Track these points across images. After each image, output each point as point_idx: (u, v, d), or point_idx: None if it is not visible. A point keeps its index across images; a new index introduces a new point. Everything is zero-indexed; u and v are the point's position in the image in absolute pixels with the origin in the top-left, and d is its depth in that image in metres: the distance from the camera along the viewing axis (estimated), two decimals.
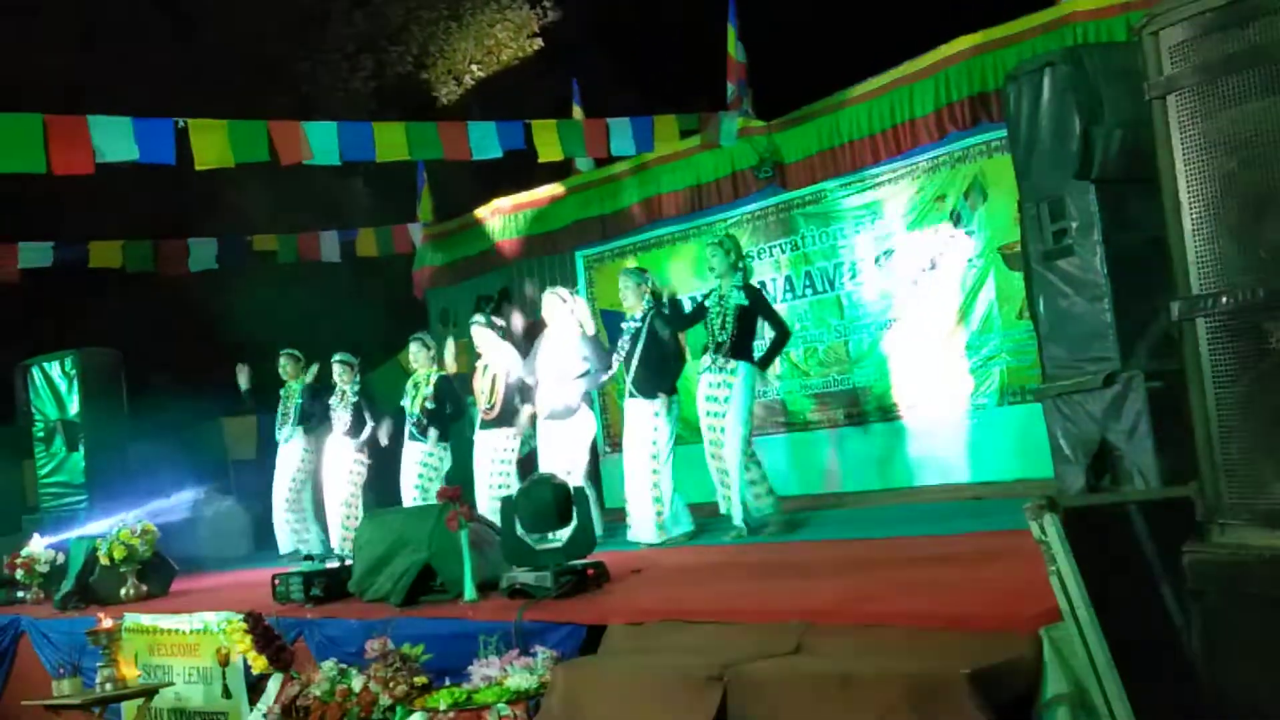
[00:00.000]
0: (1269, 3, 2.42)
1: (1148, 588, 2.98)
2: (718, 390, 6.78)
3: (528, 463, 7.81)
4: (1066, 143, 4.57)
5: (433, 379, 8.28)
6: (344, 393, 8.79)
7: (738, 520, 6.63)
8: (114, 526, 7.75)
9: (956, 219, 8.26)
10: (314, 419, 9.04)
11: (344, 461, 8.75)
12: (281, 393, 9.27)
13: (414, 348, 8.43)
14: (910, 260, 8.51)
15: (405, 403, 8.34)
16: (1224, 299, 2.51)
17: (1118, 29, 6.91)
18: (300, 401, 9.13)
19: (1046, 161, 4.70)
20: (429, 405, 8.19)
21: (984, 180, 8.10)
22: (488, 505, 7.29)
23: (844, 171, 8.79)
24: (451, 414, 8.32)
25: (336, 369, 8.82)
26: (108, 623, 6.15)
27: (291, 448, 9.15)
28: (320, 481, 9.07)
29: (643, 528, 6.90)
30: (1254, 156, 2.46)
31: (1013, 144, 4.97)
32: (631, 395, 7.09)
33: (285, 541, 9.08)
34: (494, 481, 7.62)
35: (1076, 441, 4.64)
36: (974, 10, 8.14)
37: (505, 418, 7.78)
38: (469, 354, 8.66)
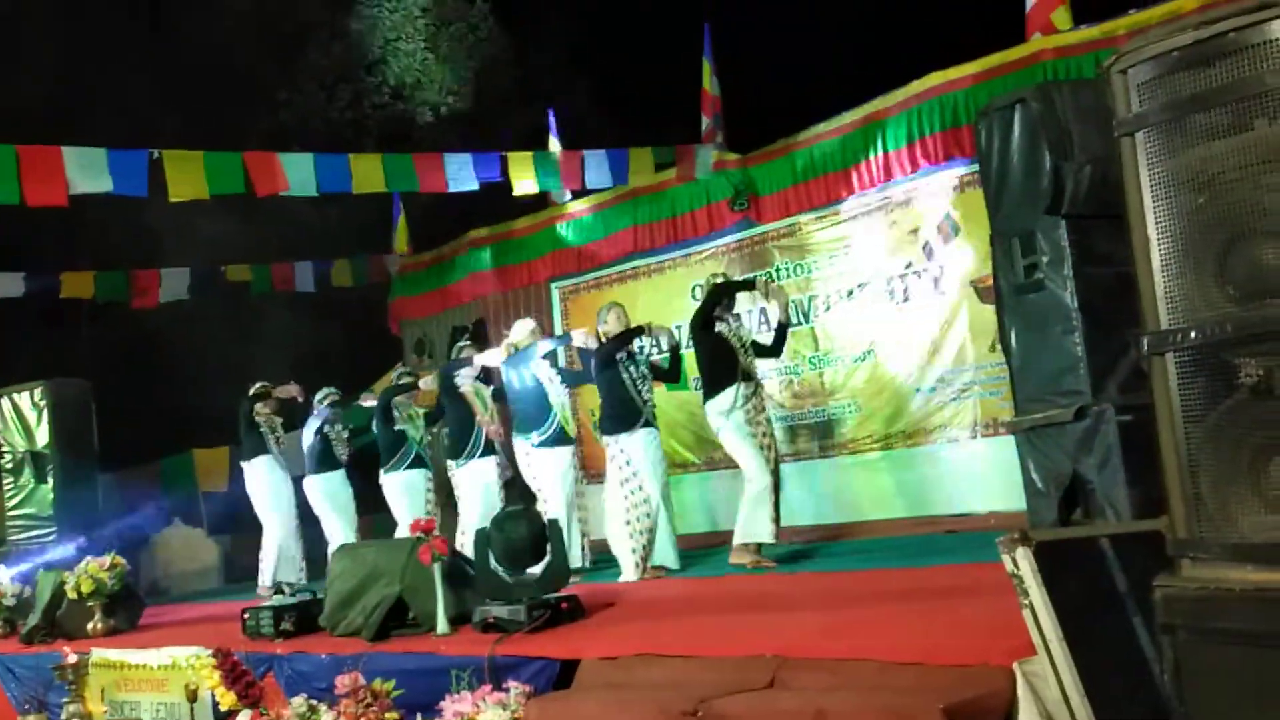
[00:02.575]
0: (1235, 43, 2.46)
1: (1120, 621, 2.99)
2: (759, 415, 6.83)
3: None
4: (1037, 178, 4.61)
5: (426, 409, 8.60)
6: (336, 427, 8.89)
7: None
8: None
9: (929, 253, 8.32)
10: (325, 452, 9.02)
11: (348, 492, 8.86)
12: (266, 428, 9.16)
13: (406, 380, 8.59)
14: (883, 293, 8.56)
15: (408, 430, 8.49)
16: (1192, 334, 2.53)
17: (1087, 66, 7.02)
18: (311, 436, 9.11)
19: (1017, 196, 4.75)
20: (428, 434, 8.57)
21: (956, 214, 8.17)
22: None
23: (818, 204, 8.87)
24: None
25: (330, 402, 8.89)
26: (74, 658, 6.07)
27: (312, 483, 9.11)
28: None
29: (669, 553, 6.94)
30: (1221, 193, 2.49)
31: (984, 179, 5.02)
32: (650, 424, 7.04)
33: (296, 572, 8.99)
34: (499, 505, 7.62)
35: (1048, 474, 4.66)
36: (946, 47, 8.25)
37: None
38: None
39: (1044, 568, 2.92)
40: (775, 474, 6.77)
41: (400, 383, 8.54)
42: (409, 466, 8.43)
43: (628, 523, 6.84)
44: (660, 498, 6.90)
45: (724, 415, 6.73)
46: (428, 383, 8.40)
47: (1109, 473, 4.40)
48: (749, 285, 7.49)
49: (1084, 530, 3.92)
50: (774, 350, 7.38)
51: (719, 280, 7.25)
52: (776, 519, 6.62)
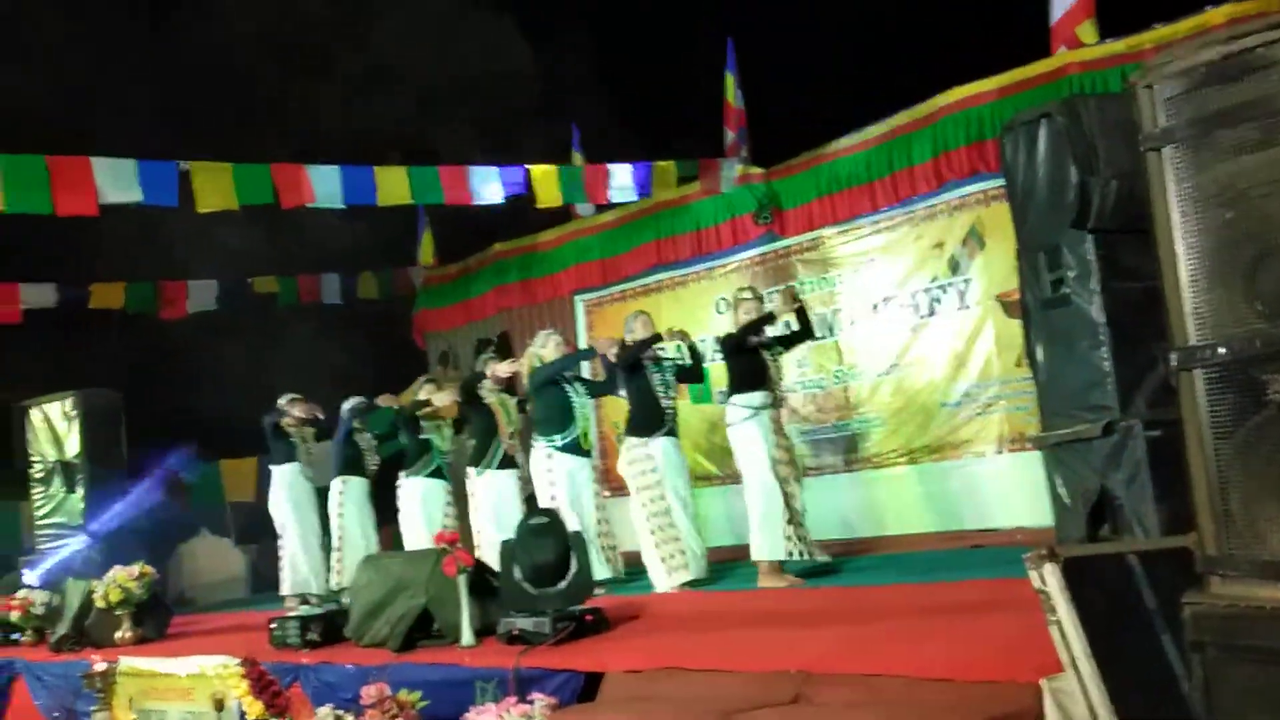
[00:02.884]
0: (1262, 58, 2.46)
1: (1148, 638, 2.97)
2: (781, 428, 6.82)
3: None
4: (1063, 192, 4.59)
5: (451, 421, 8.62)
6: (366, 436, 8.95)
7: (821, 555, 6.70)
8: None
9: (955, 267, 8.30)
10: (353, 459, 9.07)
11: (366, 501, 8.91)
12: (296, 437, 9.23)
13: (430, 389, 8.61)
14: (908, 307, 8.54)
15: (434, 439, 8.56)
16: (1221, 350, 2.52)
17: (1113, 81, 7.00)
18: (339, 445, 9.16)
19: (1043, 211, 4.73)
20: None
21: (981, 228, 8.15)
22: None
23: (842, 218, 8.86)
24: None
25: (346, 414, 8.93)
26: (102, 666, 6.12)
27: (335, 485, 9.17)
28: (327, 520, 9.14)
29: (701, 563, 6.95)
30: (1249, 209, 2.48)
31: (1010, 193, 5.00)
32: (672, 433, 7.09)
33: (318, 583, 9.04)
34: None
35: (1076, 490, 4.63)
36: (971, 61, 8.24)
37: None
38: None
39: (1071, 584, 2.91)
40: (788, 492, 6.69)
41: (418, 398, 8.56)
42: (430, 475, 8.47)
43: (651, 532, 6.85)
44: (682, 506, 6.91)
45: (749, 409, 6.66)
46: (440, 398, 8.39)
47: (1137, 489, 4.36)
48: (772, 318, 7.34)
49: (1112, 546, 3.90)
50: (805, 331, 7.21)
51: (746, 295, 7.15)
52: (795, 536, 6.58)
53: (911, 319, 8.53)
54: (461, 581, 5.23)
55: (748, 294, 7.10)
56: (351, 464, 8.96)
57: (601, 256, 10.46)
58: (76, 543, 9.74)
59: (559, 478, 7.27)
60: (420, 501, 8.46)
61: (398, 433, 8.73)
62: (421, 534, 8.24)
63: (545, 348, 7.50)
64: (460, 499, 8.66)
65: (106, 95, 12.56)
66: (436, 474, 8.53)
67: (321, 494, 9.19)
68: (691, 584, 6.81)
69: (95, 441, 10.07)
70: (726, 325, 7.36)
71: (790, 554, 6.56)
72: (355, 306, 12.52)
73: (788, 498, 6.61)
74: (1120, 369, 4.47)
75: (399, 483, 8.56)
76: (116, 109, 12.15)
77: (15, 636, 8.27)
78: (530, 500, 7.89)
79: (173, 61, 13.06)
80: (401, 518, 8.54)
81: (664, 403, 7.07)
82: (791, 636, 4.55)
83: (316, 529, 9.22)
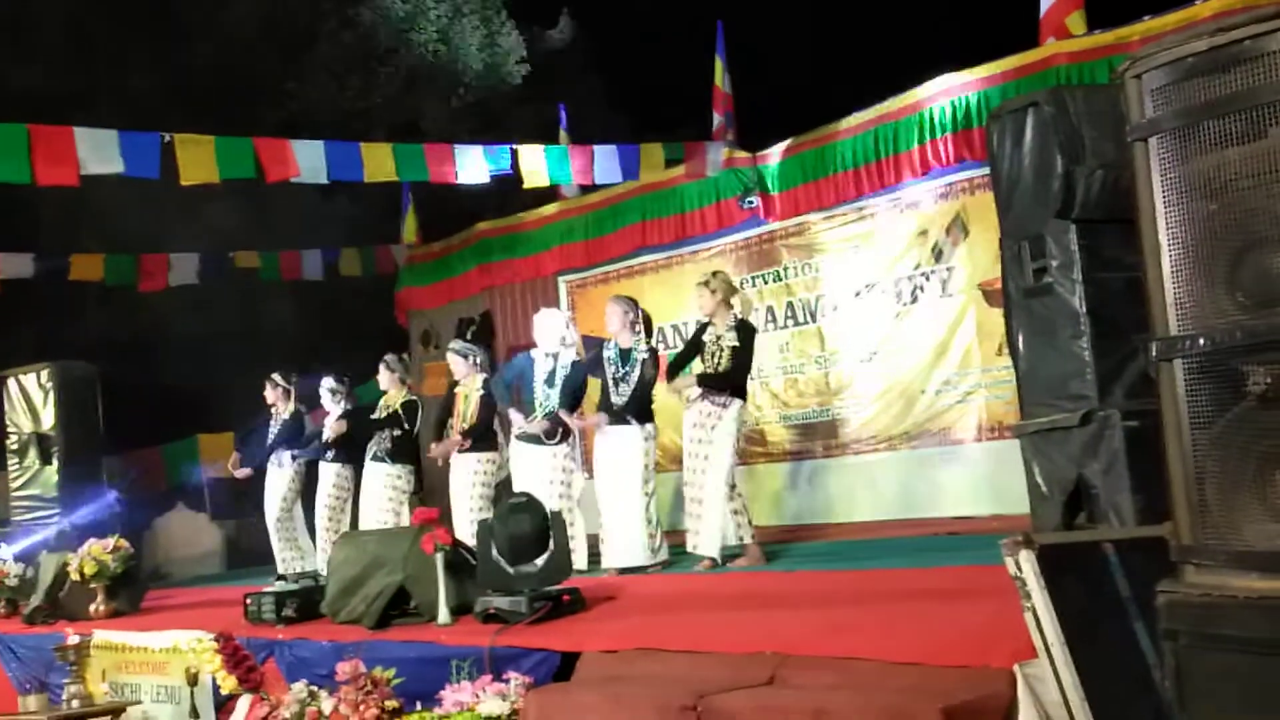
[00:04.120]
0: (1250, 50, 2.46)
1: (1122, 626, 2.99)
2: (706, 419, 6.65)
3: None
4: (1048, 182, 4.60)
5: (400, 401, 8.31)
6: (337, 410, 8.84)
7: (710, 550, 6.56)
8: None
9: (938, 254, 8.31)
10: (302, 444, 8.96)
11: (325, 483, 8.74)
12: (274, 419, 9.17)
13: (381, 370, 8.45)
14: (891, 294, 8.56)
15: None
16: (1201, 341, 2.53)
17: (1100, 72, 7.01)
18: (286, 424, 9.06)
19: (1028, 200, 4.74)
20: (396, 429, 8.23)
21: (966, 216, 8.16)
22: (468, 529, 7.21)
23: (828, 204, 8.86)
24: (413, 436, 8.39)
25: (324, 394, 8.82)
26: (75, 639, 6.10)
27: (282, 471, 9.07)
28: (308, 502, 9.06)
29: (629, 552, 6.82)
30: (1233, 201, 2.48)
31: (995, 181, 5.01)
32: (625, 421, 6.95)
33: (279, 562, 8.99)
34: (475, 505, 7.55)
35: (1053, 479, 4.65)
36: (959, 49, 8.25)
37: (482, 442, 7.74)
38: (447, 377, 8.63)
39: (1047, 571, 2.92)
40: (684, 480, 6.69)
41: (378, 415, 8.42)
42: (373, 459, 8.34)
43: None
44: (613, 496, 6.83)
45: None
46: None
47: (1113, 478, 4.39)
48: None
49: (1087, 535, 3.92)
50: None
51: (703, 282, 7.02)
52: (699, 530, 6.57)
53: (894, 306, 8.55)
54: (439, 559, 5.23)
55: (705, 280, 6.93)
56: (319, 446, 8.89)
57: (586, 238, 10.43)
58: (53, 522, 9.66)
59: (515, 463, 7.33)
60: (368, 487, 8.36)
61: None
62: (374, 517, 8.17)
63: (538, 329, 7.46)
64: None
65: (89, 73, 12.47)
66: (383, 457, 8.38)
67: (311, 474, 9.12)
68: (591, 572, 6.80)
69: (71, 414, 9.98)
70: None
71: (687, 544, 6.65)
72: (337, 283, 12.46)
73: (685, 487, 6.68)
74: (1100, 359, 4.49)
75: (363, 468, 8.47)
76: (98, 86, 12.06)
77: None
78: (503, 484, 7.84)
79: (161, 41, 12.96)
80: (361, 503, 8.46)
81: (613, 398, 6.97)
82: (767, 619, 4.56)
83: (286, 508, 9.14)
